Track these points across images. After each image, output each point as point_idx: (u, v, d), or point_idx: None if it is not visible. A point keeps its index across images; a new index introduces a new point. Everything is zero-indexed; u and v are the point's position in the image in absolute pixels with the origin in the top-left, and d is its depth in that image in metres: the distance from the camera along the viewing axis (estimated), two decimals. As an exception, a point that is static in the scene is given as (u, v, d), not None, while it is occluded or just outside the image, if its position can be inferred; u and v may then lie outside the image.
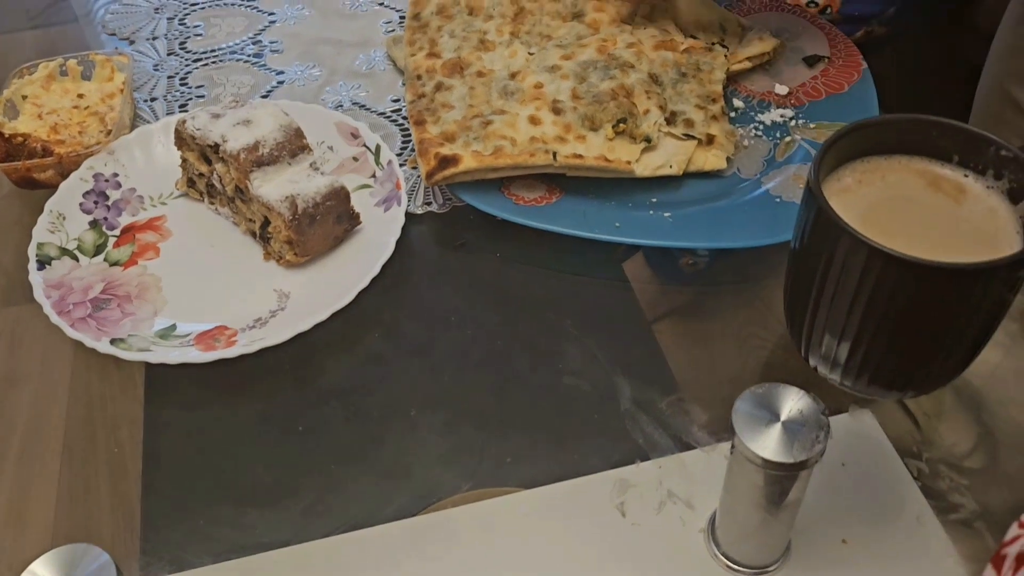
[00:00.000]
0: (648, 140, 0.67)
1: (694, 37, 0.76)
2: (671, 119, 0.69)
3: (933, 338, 0.45)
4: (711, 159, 0.68)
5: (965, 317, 0.44)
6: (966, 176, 0.48)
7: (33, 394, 0.60)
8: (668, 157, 0.67)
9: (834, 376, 0.50)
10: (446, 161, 0.65)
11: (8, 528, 0.53)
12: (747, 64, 0.76)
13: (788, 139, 0.71)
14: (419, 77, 0.73)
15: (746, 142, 0.71)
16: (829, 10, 0.98)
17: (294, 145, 0.64)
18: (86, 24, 0.94)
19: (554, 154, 0.66)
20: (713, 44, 0.76)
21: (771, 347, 0.60)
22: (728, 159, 0.69)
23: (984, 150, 0.48)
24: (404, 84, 0.76)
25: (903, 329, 0.45)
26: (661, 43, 0.75)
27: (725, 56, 0.74)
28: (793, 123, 0.72)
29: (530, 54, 0.74)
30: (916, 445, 0.53)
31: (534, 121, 0.68)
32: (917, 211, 0.48)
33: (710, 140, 0.69)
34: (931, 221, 0.47)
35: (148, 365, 0.59)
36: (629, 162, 0.66)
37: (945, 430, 0.55)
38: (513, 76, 0.72)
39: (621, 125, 0.67)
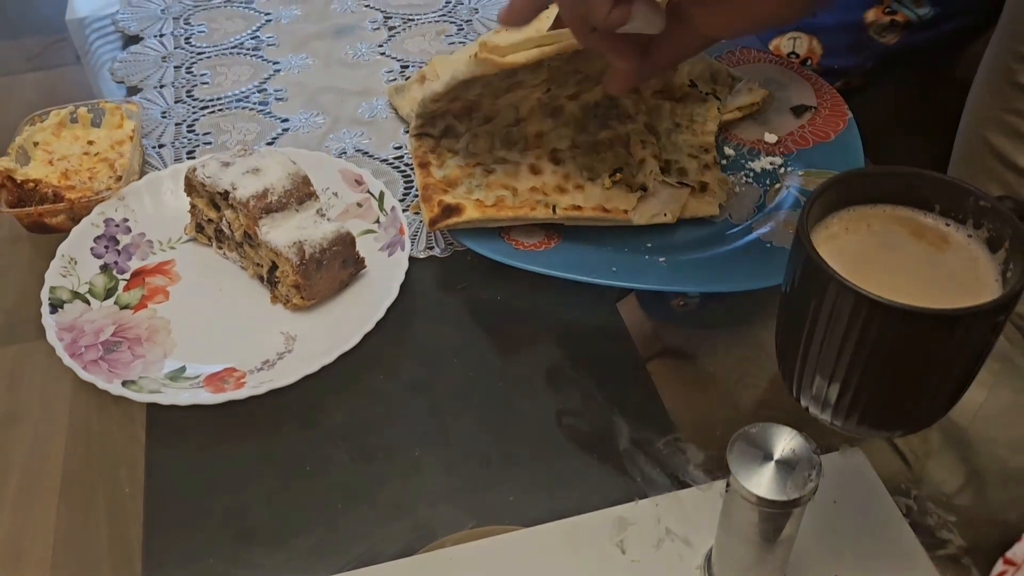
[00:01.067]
0: (644, 188, 0.70)
1: (693, 84, 0.79)
2: (666, 168, 0.72)
3: (919, 380, 0.47)
4: (704, 206, 0.70)
5: (949, 360, 0.46)
6: (948, 225, 0.51)
7: (32, 432, 0.60)
8: (663, 205, 0.69)
9: (825, 416, 0.51)
10: (449, 210, 0.67)
11: (5, 569, 0.53)
12: (737, 114, 0.79)
13: (777, 186, 0.73)
14: (429, 115, 0.72)
15: (737, 189, 0.74)
16: (809, 62, 1.02)
17: (301, 192, 0.66)
18: (86, 64, 0.95)
19: (553, 207, 0.68)
20: (706, 95, 0.78)
21: (763, 386, 0.62)
22: (720, 206, 0.71)
23: (964, 200, 0.50)
24: (406, 132, 0.78)
25: (890, 372, 0.46)
26: (659, 90, 0.77)
27: (718, 108, 0.77)
28: (782, 170, 0.75)
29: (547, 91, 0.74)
30: (905, 483, 0.55)
31: (535, 170, 0.70)
32: (902, 258, 0.50)
33: (703, 188, 0.71)
34: (915, 268, 0.49)
35: (149, 404, 0.59)
36: (626, 211, 0.68)
37: (934, 468, 0.57)
38: (518, 122, 0.73)
39: (618, 174, 0.70)
